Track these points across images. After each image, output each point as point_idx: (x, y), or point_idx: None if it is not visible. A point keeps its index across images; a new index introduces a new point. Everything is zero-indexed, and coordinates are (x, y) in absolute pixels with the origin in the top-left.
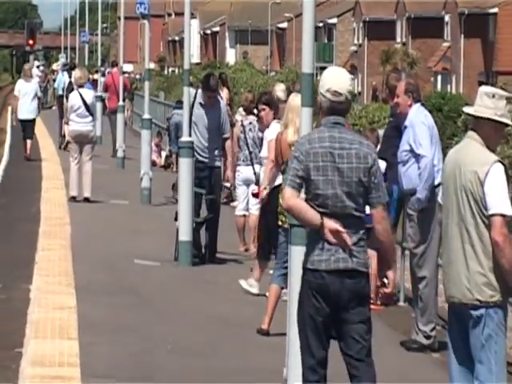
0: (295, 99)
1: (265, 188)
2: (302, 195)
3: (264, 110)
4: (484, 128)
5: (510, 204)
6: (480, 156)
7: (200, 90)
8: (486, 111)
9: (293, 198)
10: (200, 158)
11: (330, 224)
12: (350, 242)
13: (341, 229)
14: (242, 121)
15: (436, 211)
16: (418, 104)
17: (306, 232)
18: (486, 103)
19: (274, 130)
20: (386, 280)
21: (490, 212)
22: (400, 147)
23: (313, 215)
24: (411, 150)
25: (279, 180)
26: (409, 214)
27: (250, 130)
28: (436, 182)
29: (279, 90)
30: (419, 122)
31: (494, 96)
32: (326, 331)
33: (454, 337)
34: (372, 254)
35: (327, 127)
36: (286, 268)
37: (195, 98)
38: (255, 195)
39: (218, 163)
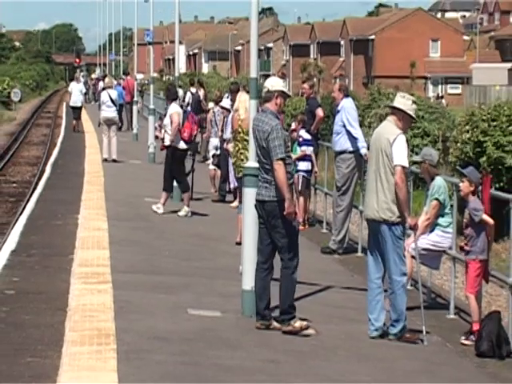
0: (242, 95)
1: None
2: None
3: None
4: (397, 115)
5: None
6: (392, 129)
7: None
8: (400, 105)
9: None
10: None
11: None
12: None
13: None
14: (213, 109)
15: (355, 164)
16: (348, 97)
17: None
18: (400, 101)
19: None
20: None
21: (394, 163)
22: (335, 124)
23: None
24: (343, 126)
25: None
26: (338, 165)
27: (218, 114)
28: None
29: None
30: (350, 108)
31: (404, 97)
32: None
33: (371, 243)
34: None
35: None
36: None
37: (185, 95)
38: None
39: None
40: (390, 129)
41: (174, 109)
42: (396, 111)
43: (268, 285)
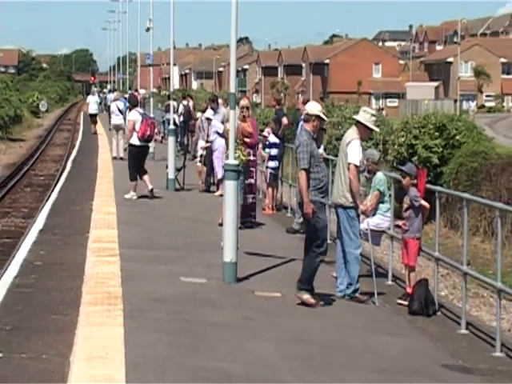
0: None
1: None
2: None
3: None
4: (358, 125)
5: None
6: (350, 135)
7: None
8: (360, 118)
9: None
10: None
11: None
12: None
13: None
14: (200, 117)
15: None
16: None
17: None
18: (361, 114)
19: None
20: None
21: (348, 161)
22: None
23: None
24: None
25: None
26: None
27: (204, 122)
28: None
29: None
30: None
31: (365, 111)
32: None
33: (338, 224)
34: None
35: None
36: None
37: (178, 106)
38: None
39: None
40: (349, 134)
41: (131, 116)
42: (358, 123)
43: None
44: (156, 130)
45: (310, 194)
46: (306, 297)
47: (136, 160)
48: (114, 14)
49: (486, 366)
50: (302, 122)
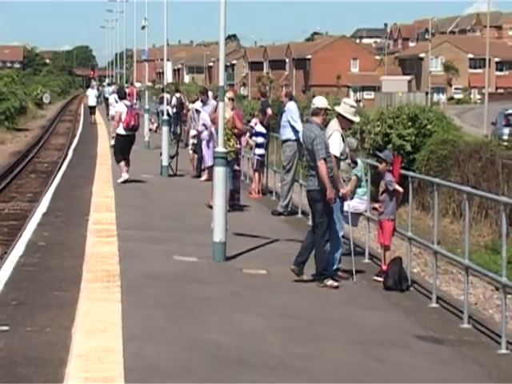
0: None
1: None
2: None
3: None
4: (339, 116)
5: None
6: (332, 127)
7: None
8: (340, 110)
9: None
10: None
11: None
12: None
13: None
14: (192, 108)
15: (296, 149)
16: (292, 101)
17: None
18: (341, 106)
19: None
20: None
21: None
22: (282, 120)
23: None
24: (288, 121)
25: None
26: (284, 150)
27: (194, 113)
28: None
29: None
30: (294, 108)
31: (345, 103)
32: None
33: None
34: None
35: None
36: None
37: (171, 99)
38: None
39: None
40: (331, 126)
41: (118, 107)
42: (339, 115)
43: (309, 247)
44: (153, 122)
45: (320, 183)
46: (330, 283)
47: (121, 147)
48: (111, 13)
49: (454, 337)
50: (310, 117)
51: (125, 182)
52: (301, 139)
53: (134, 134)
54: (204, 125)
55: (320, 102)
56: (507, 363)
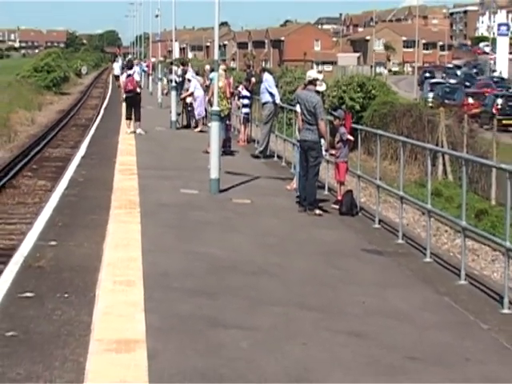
0: (220, 71)
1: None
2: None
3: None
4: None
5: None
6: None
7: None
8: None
9: None
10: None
11: None
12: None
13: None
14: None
15: (273, 109)
16: (268, 73)
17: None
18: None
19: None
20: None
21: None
22: (261, 88)
23: None
24: (266, 88)
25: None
26: (263, 109)
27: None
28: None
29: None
30: (270, 79)
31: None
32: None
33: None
34: (242, 130)
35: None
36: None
37: (178, 70)
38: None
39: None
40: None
41: (122, 76)
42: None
43: (305, 185)
44: (164, 88)
45: (317, 137)
46: (318, 212)
47: (126, 106)
48: (133, 5)
49: (391, 250)
50: (300, 86)
51: (132, 132)
52: (276, 101)
53: (134, 95)
54: (195, 88)
55: (313, 74)
56: (431, 269)
